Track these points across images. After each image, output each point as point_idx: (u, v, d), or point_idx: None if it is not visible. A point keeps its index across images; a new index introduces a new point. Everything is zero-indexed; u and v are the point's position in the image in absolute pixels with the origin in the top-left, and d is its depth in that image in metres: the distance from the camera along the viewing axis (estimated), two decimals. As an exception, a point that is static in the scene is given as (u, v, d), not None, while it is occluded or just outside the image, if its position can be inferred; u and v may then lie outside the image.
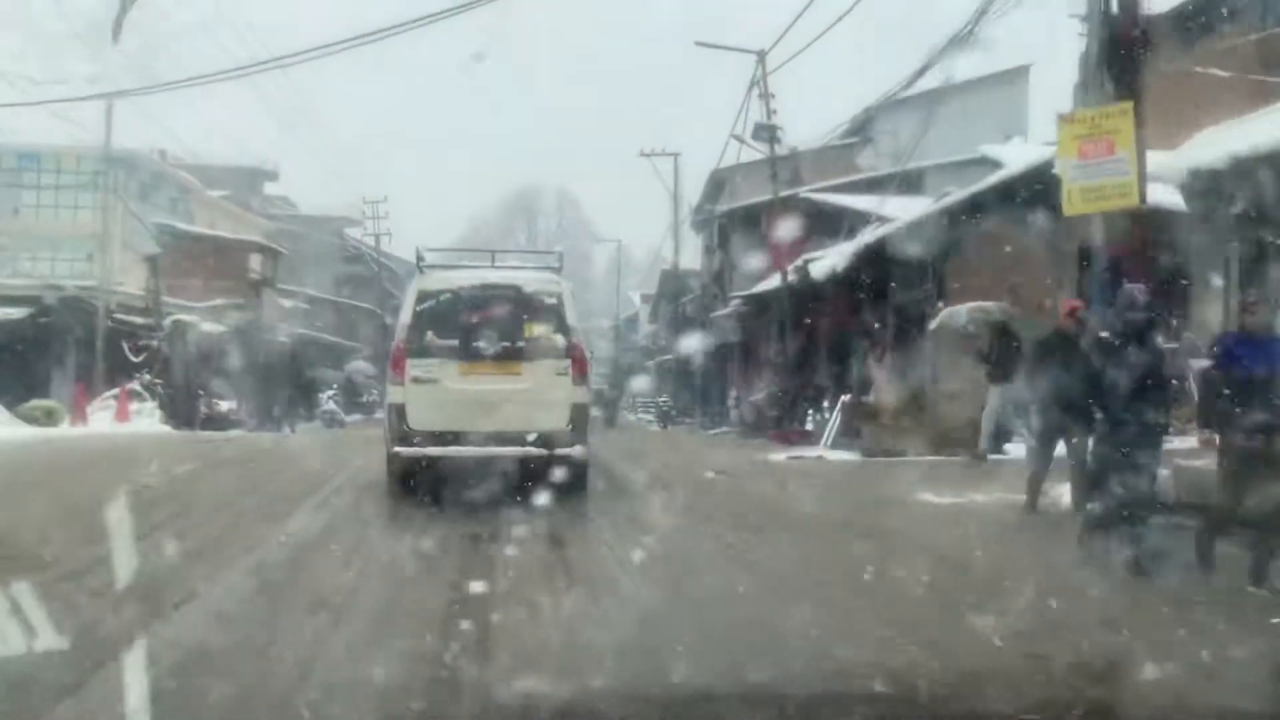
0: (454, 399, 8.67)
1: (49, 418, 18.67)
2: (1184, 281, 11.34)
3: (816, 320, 21.31)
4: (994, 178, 14.64)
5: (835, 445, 16.06)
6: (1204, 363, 6.73)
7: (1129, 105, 8.92)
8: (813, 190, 25.32)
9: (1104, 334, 6.00)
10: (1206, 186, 9.05)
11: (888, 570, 5.70)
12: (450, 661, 3.97)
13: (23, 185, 36.18)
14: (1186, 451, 6.50)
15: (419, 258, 9.88)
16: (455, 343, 8.86)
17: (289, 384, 27.67)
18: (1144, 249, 8.80)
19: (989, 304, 14.37)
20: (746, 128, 22.31)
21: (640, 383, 38.55)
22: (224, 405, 23.37)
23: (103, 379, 22.57)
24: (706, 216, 34.24)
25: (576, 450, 8.70)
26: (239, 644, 4.27)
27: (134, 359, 23.48)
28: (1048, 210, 13.01)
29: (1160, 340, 6.05)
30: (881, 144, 28.08)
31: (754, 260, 23.84)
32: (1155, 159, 9.46)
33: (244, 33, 73.77)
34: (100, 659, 3.62)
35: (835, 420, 17.01)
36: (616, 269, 55.70)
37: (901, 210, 18.63)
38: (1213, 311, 11.15)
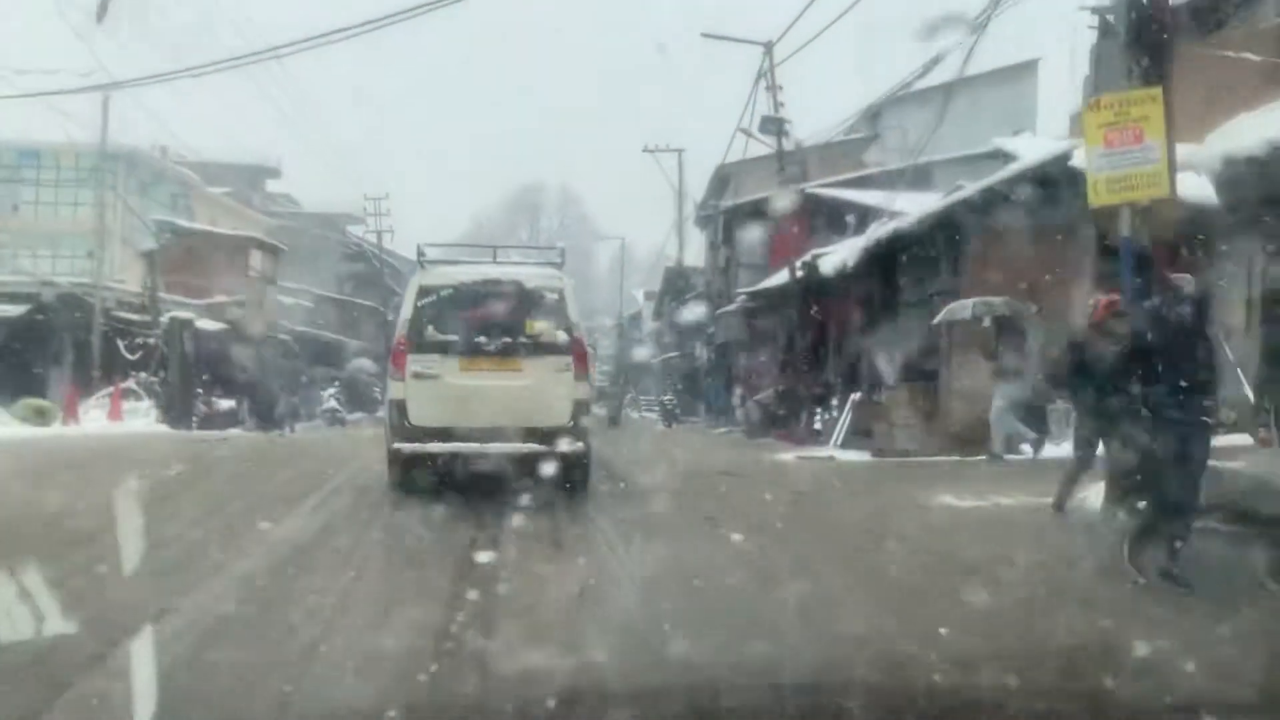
0: (455, 395, 8.60)
1: (40, 417, 18.32)
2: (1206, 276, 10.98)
3: (825, 317, 20.99)
4: (1011, 169, 14.26)
5: (845, 445, 15.75)
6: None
7: (1158, 91, 8.53)
8: (820, 186, 24.99)
9: (1144, 327, 5.57)
10: (1241, 175, 8.64)
11: (924, 587, 5.26)
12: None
13: (22, 182, 36.06)
14: (1236, 450, 6.13)
15: (420, 253, 9.79)
16: (456, 338, 8.82)
17: (289, 382, 27.35)
18: (1173, 241, 8.43)
19: (995, 298, 14.06)
20: (753, 121, 21.94)
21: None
22: (222, 404, 23.05)
23: (99, 377, 22.24)
24: (711, 212, 33.89)
25: (578, 447, 8.63)
26: (199, 686, 3.72)
27: (130, 357, 23.14)
28: (1066, 203, 12.68)
29: (1210, 334, 5.63)
30: (889, 139, 27.78)
31: (759, 256, 23.55)
32: (1180, 148, 9.09)
33: (244, 28, 73.36)
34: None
35: (845, 420, 16.67)
36: (620, 266, 55.36)
37: (913, 205, 18.28)
38: (1235, 312, 10.78)
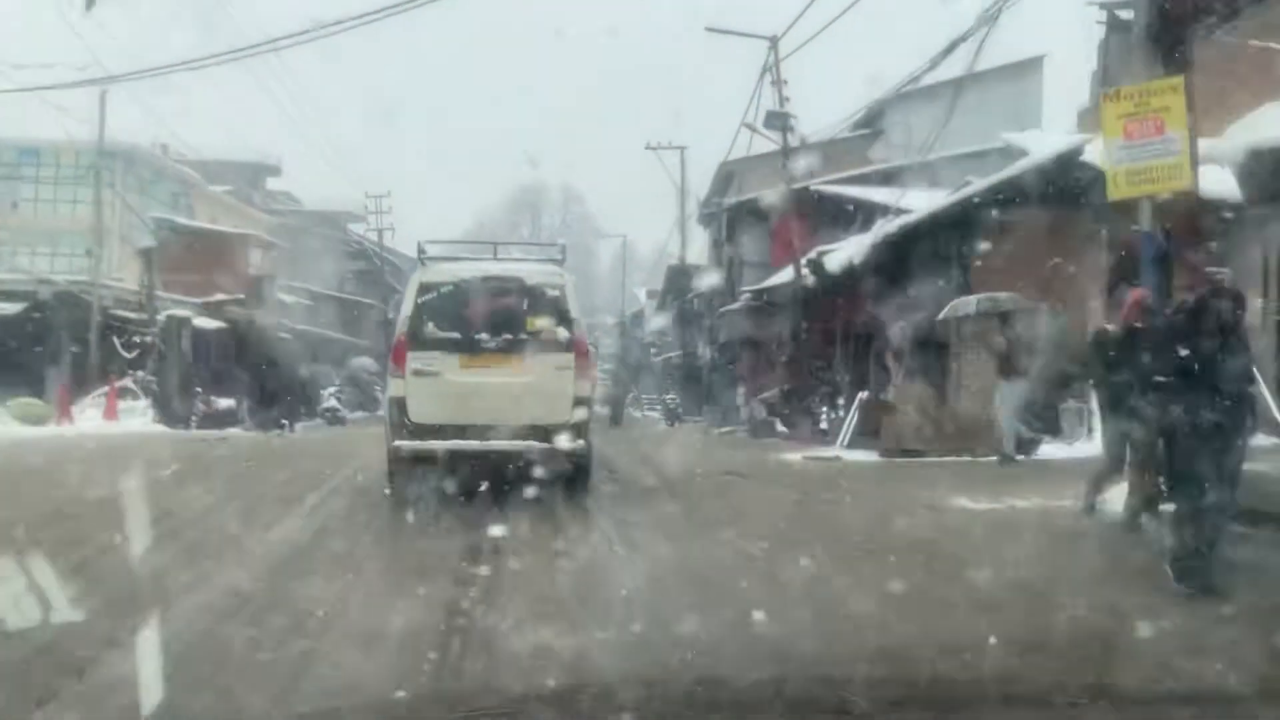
0: (455, 392, 8.54)
1: (33, 417, 18.08)
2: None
3: (830, 315, 20.75)
4: (1023, 163, 14.00)
5: (851, 445, 15.49)
6: None
7: (1179, 80, 8.29)
8: (824, 182, 24.75)
9: (1182, 323, 5.29)
10: (1268, 167, 8.37)
11: (951, 597, 4.91)
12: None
13: (22, 179, 35.88)
14: (1255, 451, 5.85)
15: (420, 250, 9.70)
16: (457, 335, 8.76)
17: (289, 381, 27.10)
18: (1196, 234, 8.18)
19: (1000, 294, 13.84)
20: (758, 116, 21.68)
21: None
22: (221, 403, 22.81)
23: (95, 376, 21.99)
24: (714, 210, 33.64)
25: (579, 444, 8.56)
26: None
27: (126, 355, 22.89)
28: (1078, 197, 12.44)
29: (1245, 330, 5.36)
30: (893, 136, 27.53)
31: (762, 253, 23.33)
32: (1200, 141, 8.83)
33: (242, 23, 73.08)
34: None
35: (852, 419, 16.42)
36: (622, 265, 55.08)
37: (920, 202, 18.04)
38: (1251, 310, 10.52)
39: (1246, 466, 5.47)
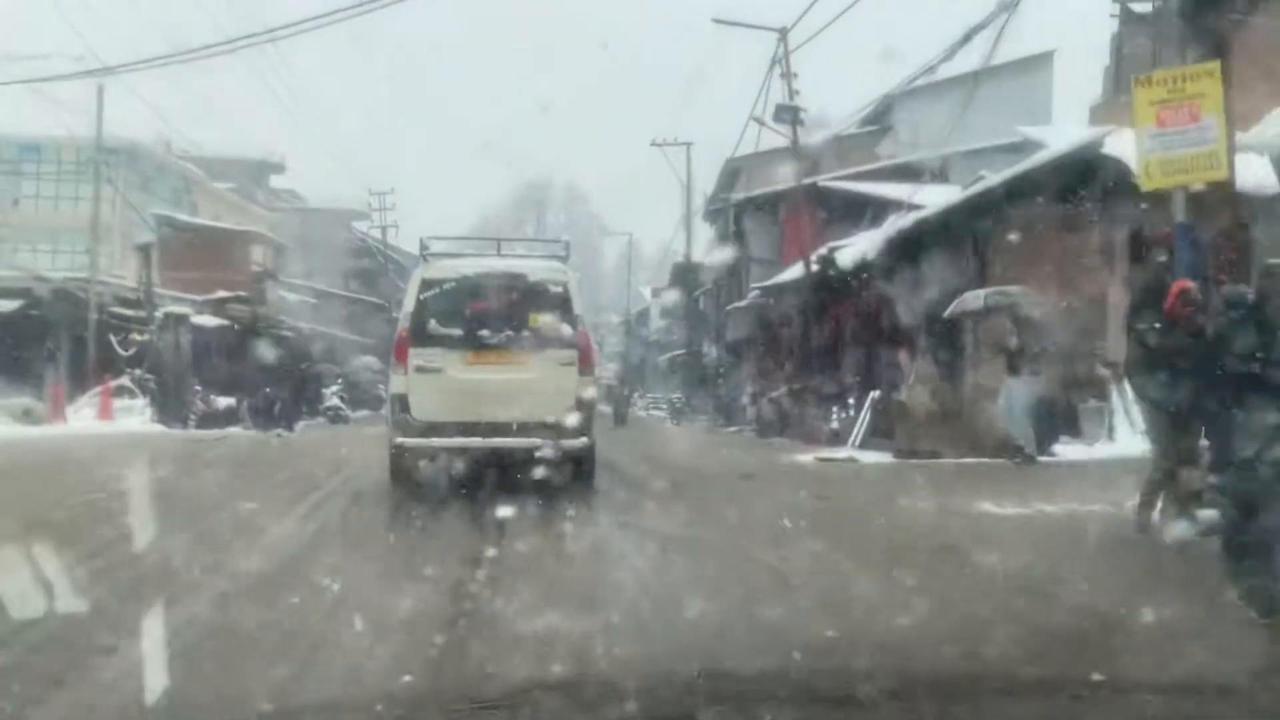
0: (458, 389, 8.47)
1: (26, 416, 17.76)
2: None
3: (842, 312, 20.41)
4: (1040, 156, 13.63)
5: (864, 446, 15.16)
6: None
7: (1215, 65, 7.92)
8: (833, 179, 24.41)
9: (1238, 318, 4.88)
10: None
11: (994, 618, 4.45)
12: None
13: (22, 175, 35.62)
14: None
15: (424, 246, 9.62)
16: (459, 332, 8.75)
17: (290, 379, 26.77)
18: (1232, 227, 7.81)
19: (1010, 288, 13.49)
20: (766, 110, 21.30)
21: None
22: (221, 402, 22.47)
23: (92, 374, 21.67)
24: (721, 206, 33.27)
25: (582, 442, 8.55)
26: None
27: (123, 353, 22.56)
28: (1097, 190, 12.10)
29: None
30: (901, 132, 27.20)
31: (771, 250, 23.01)
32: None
33: (242, 16, 72.81)
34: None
35: (864, 419, 16.06)
36: (627, 263, 54.76)
37: (933, 198, 17.68)
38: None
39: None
